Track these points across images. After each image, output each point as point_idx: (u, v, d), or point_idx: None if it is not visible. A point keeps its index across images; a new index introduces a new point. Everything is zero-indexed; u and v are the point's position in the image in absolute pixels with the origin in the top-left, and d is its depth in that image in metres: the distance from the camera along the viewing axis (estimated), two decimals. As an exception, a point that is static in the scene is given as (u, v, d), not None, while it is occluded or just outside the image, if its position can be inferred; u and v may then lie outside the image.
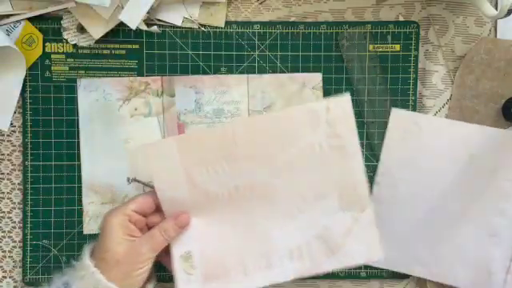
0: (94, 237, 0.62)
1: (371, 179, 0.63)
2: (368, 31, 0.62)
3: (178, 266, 0.55)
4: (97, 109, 0.62)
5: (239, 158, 0.55)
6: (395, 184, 0.63)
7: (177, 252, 0.56)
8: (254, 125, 0.55)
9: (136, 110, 0.62)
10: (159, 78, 0.62)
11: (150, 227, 0.55)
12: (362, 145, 0.60)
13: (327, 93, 0.62)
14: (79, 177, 0.62)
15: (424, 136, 0.62)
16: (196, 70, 0.62)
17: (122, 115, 0.62)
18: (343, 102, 0.55)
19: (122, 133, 0.62)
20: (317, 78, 0.62)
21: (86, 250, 0.53)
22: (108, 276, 0.50)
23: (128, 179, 0.62)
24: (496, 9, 0.55)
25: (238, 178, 0.55)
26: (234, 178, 0.55)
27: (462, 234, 0.62)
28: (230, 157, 0.55)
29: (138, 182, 0.62)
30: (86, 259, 0.51)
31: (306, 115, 0.55)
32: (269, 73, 0.63)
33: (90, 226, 0.63)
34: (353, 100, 0.56)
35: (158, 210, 0.56)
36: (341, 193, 0.55)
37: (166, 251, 0.55)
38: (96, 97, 0.62)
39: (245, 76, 0.63)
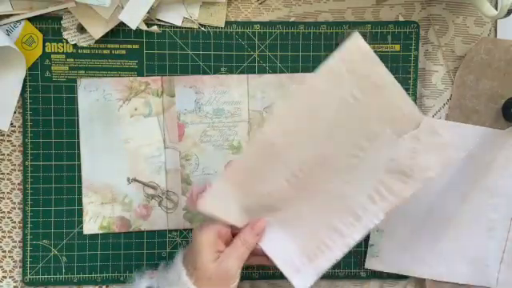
0: (94, 237, 0.63)
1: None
2: (368, 31, 0.62)
3: (282, 266, 0.55)
4: (97, 109, 0.62)
5: (283, 152, 0.54)
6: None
7: (272, 254, 0.56)
8: (282, 116, 0.53)
9: (136, 110, 0.62)
10: (159, 78, 0.62)
11: (233, 234, 0.55)
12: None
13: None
14: (79, 177, 0.62)
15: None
16: (196, 70, 0.62)
17: (122, 115, 0.62)
18: (354, 42, 0.51)
19: (122, 133, 0.62)
20: (317, 78, 0.62)
21: (180, 261, 0.53)
22: None
23: (128, 179, 0.63)
24: (496, 9, 0.55)
25: (291, 167, 0.54)
26: (286, 169, 0.54)
27: (461, 231, 0.63)
28: (273, 156, 0.54)
29: (138, 182, 0.62)
30: (184, 275, 0.51)
31: (325, 79, 0.52)
32: (269, 73, 0.63)
33: (89, 226, 0.63)
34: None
35: None
36: (391, 124, 0.53)
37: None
38: (96, 97, 0.62)
39: (245, 76, 0.62)
